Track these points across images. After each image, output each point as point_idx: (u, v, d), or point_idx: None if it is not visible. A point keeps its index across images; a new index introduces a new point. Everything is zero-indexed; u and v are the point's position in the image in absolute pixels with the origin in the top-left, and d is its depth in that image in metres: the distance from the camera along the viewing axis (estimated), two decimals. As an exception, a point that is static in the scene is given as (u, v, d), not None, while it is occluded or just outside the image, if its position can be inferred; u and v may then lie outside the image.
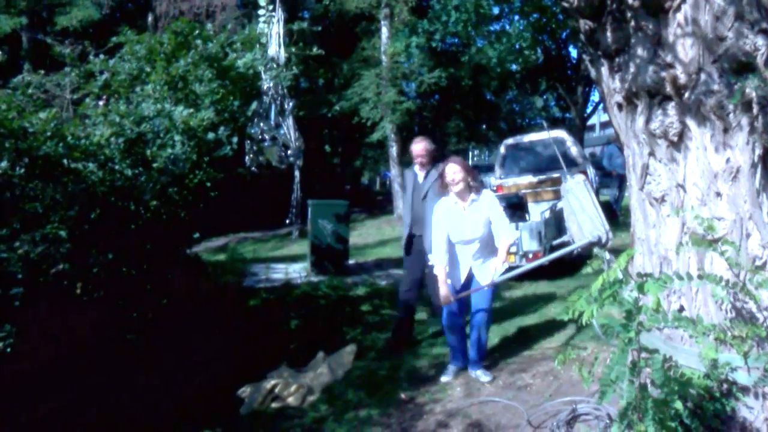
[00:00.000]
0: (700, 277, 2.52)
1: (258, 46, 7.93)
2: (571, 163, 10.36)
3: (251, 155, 11.48)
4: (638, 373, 2.48)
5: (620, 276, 2.49)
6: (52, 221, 4.46)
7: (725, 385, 2.63)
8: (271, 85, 8.81)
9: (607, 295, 2.44)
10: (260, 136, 11.74)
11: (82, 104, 5.89)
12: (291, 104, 12.23)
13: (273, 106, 11.73)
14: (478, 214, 4.76)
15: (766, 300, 2.70)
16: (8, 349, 3.99)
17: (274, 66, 8.42)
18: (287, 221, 13.94)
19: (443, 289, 4.70)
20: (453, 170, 4.74)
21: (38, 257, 4.33)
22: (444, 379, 5.05)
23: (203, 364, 5.81)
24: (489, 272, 4.78)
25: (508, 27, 17.63)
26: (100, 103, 5.96)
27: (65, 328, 4.96)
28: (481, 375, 4.94)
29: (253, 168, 10.82)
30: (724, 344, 2.51)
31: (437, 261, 4.77)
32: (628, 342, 2.43)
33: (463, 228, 4.78)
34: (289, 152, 12.57)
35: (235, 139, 6.44)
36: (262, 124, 11.67)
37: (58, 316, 4.89)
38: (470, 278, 4.89)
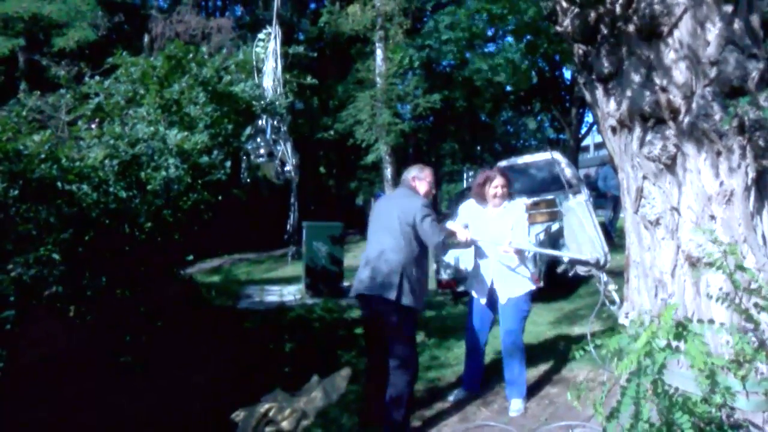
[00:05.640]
0: (721, 324, 2.48)
1: (255, 71, 7.97)
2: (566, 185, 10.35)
3: (247, 170, 11.49)
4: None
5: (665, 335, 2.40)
6: (45, 243, 4.44)
7: (723, 410, 2.61)
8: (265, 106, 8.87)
9: (645, 351, 2.36)
10: (257, 152, 11.77)
11: (76, 126, 5.89)
12: (287, 120, 12.28)
13: (269, 124, 11.78)
14: (504, 222, 4.64)
15: (764, 323, 2.69)
16: (-1, 373, 3.95)
17: (270, 92, 8.45)
18: (285, 237, 13.94)
19: (461, 231, 4.60)
20: (501, 183, 4.67)
21: (31, 280, 4.29)
22: (450, 398, 4.93)
23: (197, 387, 5.74)
24: (514, 284, 4.58)
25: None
26: (93, 126, 5.96)
27: (58, 351, 4.91)
28: (511, 403, 4.56)
29: (247, 180, 10.78)
30: (722, 369, 2.49)
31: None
32: (642, 377, 2.36)
33: (486, 233, 4.65)
34: (286, 168, 12.59)
35: (228, 163, 6.44)
36: (258, 139, 11.71)
37: (51, 339, 4.84)
38: (494, 291, 4.68)
